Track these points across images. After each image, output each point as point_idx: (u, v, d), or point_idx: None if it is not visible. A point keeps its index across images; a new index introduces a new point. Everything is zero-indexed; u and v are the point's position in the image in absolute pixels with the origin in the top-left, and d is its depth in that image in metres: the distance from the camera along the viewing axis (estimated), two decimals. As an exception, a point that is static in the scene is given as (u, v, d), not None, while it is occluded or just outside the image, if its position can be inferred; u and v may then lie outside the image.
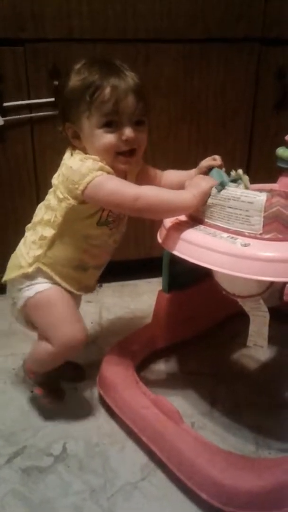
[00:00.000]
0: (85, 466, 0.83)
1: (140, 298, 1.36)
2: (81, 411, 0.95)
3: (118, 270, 1.33)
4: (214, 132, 1.29)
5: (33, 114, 1.16)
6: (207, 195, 0.77)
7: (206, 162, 0.85)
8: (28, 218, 1.25)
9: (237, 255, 0.70)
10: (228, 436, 0.89)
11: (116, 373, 0.94)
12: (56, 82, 1.12)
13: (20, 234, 1.26)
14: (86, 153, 0.81)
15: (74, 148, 0.83)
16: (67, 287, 0.87)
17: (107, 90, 0.76)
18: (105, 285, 1.40)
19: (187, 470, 0.76)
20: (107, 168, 0.78)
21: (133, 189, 0.77)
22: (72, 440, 0.89)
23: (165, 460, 0.79)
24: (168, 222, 0.82)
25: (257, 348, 0.85)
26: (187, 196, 0.77)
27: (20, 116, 1.15)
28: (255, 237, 0.73)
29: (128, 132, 0.78)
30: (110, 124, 0.77)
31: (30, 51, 1.10)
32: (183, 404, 0.95)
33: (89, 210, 0.80)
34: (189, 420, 0.90)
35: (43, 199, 1.23)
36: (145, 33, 1.15)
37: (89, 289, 0.92)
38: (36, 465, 0.84)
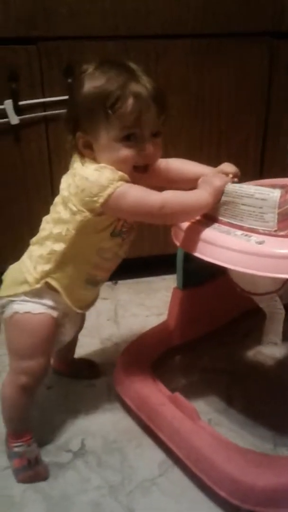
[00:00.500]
0: (104, 462, 0.84)
1: (155, 295, 1.36)
2: (98, 408, 0.96)
3: (133, 267, 1.33)
4: (226, 128, 1.28)
5: (47, 112, 1.16)
6: (221, 192, 0.76)
7: (226, 168, 0.82)
8: (43, 216, 1.27)
9: (252, 252, 0.70)
10: (245, 434, 0.89)
11: (133, 371, 0.94)
12: (70, 80, 1.13)
13: (35, 232, 1.28)
14: (97, 162, 0.75)
15: (83, 156, 0.77)
16: (72, 306, 0.81)
17: (130, 101, 0.71)
18: (120, 282, 1.41)
19: (204, 467, 0.76)
20: (126, 176, 0.73)
21: (158, 197, 0.73)
22: (90, 436, 0.90)
23: (182, 457, 0.80)
24: (182, 221, 0.82)
25: (273, 345, 0.85)
26: (203, 195, 0.76)
27: (35, 114, 1.16)
28: (269, 234, 0.72)
29: (149, 148, 0.74)
30: (130, 138, 0.73)
31: (43, 50, 1.11)
32: (199, 401, 0.96)
33: (105, 221, 0.76)
34: (205, 417, 0.91)
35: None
36: (156, 29, 1.15)
37: (90, 306, 0.88)
38: (55, 461, 0.85)
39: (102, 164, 0.74)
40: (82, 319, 0.93)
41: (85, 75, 0.74)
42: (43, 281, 0.78)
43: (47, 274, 0.79)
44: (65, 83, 1.14)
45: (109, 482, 0.81)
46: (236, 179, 0.80)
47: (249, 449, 0.80)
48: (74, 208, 0.74)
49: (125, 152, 0.73)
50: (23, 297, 0.79)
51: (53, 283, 0.79)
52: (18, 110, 1.14)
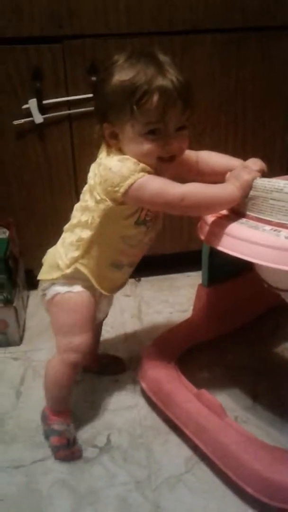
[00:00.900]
0: (130, 458, 0.85)
1: (179, 292, 1.36)
2: (123, 404, 0.97)
3: (156, 264, 1.33)
4: (252, 123, 1.27)
5: (71, 111, 1.17)
6: (249, 187, 0.76)
7: (253, 163, 0.81)
8: (67, 214, 1.27)
9: (281, 247, 0.68)
10: (272, 431, 0.88)
11: (158, 367, 0.94)
12: (94, 78, 1.13)
13: (59, 229, 1.29)
14: (123, 153, 0.77)
15: (109, 146, 0.79)
16: (99, 289, 0.85)
17: (155, 98, 0.71)
18: (143, 279, 1.41)
19: (232, 464, 0.76)
20: (148, 168, 0.75)
21: (178, 189, 0.74)
22: (116, 431, 0.90)
23: (209, 454, 0.80)
24: (209, 216, 0.81)
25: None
26: (231, 189, 0.75)
27: (59, 113, 1.17)
28: (299, 229, 0.71)
29: (173, 143, 0.75)
30: (154, 132, 0.74)
31: (68, 48, 1.11)
32: (225, 398, 0.95)
33: (128, 210, 0.78)
34: (232, 414, 0.90)
35: (81, 195, 1.27)
36: (181, 25, 1.14)
37: (121, 287, 0.91)
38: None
39: (125, 156, 0.76)
40: (110, 300, 0.96)
41: (115, 66, 0.74)
42: (73, 267, 0.83)
43: (76, 260, 0.83)
44: (89, 81, 1.14)
45: (136, 477, 0.81)
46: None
47: (276, 446, 0.79)
48: (98, 197, 0.77)
49: (148, 146, 0.74)
50: (62, 280, 0.84)
51: (82, 268, 0.83)
52: (42, 109, 1.15)
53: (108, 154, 0.79)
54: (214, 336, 1.08)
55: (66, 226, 0.88)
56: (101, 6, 1.09)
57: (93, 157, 1.23)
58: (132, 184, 0.73)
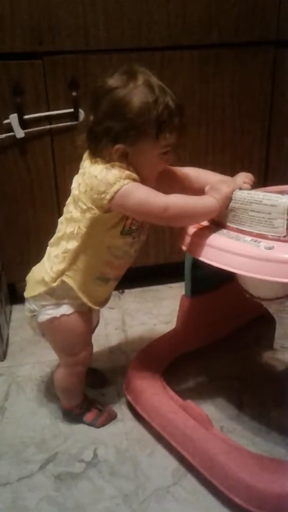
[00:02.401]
0: (117, 471, 0.84)
1: (162, 303, 1.36)
2: (110, 417, 0.96)
3: (139, 276, 1.34)
4: (231, 136, 1.29)
5: (52, 126, 1.18)
6: (229, 199, 0.78)
7: (240, 179, 0.83)
8: (49, 228, 1.27)
9: (261, 258, 0.70)
10: (257, 440, 0.89)
11: (143, 379, 0.94)
12: (74, 93, 1.14)
13: (41, 244, 1.28)
14: (134, 169, 0.77)
15: (94, 156, 0.79)
16: (88, 303, 0.85)
17: (176, 120, 0.75)
18: (126, 291, 1.41)
19: (219, 475, 0.76)
20: (134, 175, 0.76)
21: (162, 199, 0.75)
22: (102, 445, 0.90)
23: (196, 465, 0.80)
24: (191, 228, 0.83)
25: (284, 350, 0.85)
26: (211, 201, 0.77)
27: (40, 128, 1.17)
28: (278, 240, 0.73)
29: (172, 157, 0.80)
30: (167, 152, 0.78)
31: (49, 64, 1.12)
32: (211, 408, 0.96)
33: (114, 219, 0.79)
34: (217, 424, 0.90)
35: (64, 208, 1.27)
36: (160, 41, 1.16)
37: (105, 303, 0.92)
38: (68, 471, 0.85)
39: (112, 163, 0.76)
40: (97, 314, 0.98)
41: (134, 87, 0.74)
42: (59, 280, 0.83)
43: (62, 272, 0.83)
44: (70, 96, 1.15)
45: (123, 491, 0.81)
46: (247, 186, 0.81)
47: (263, 455, 0.80)
48: (84, 206, 0.78)
49: (162, 165, 0.79)
50: (52, 301, 0.85)
51: (68, 280, 0.83)
52: (24, 124, 1.16)
53: (92, 162, 0.79)
54: (199, 346, 1.09)
55: (51, 241, 0.88)
56: (81, 23, 1.10)
57: (74, 171, 1.24)
58: (118, 191, 0.74)
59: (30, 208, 1.25)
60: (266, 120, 1.30)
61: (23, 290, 1.39)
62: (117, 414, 0.97)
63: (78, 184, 0.80)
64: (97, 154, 0.78)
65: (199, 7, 1.15)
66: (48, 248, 0.88)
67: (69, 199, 0.84)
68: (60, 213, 1.26)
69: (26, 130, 1.16)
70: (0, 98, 1.13)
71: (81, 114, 1.17)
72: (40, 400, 1.02)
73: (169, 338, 1.07)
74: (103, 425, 0.94)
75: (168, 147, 0.77)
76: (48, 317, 0.86)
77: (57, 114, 1.17)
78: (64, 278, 0.83)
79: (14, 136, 1.16)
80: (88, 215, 0.78)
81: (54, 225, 1.27)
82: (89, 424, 0.94)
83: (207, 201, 0.78)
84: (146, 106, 0.73)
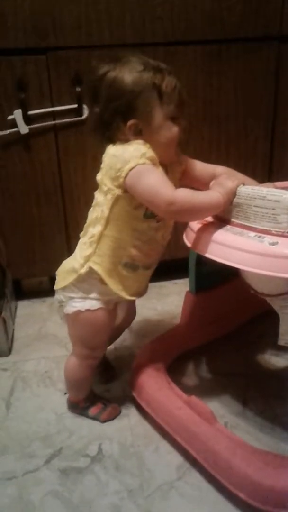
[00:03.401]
0: (121, 467, 0.85)
1: (166, 300, 1.37)
2: (114, 413, 0.97)
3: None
4: (235, 131, 1.29)
5: (56, 121, 1.18)
6: (233, 194, 0.77)
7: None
8: (54, 224, 1.28)
9: (265, 253, 0.70)
10: (262, 436, 0.89)
11: (148, 375, 0.94)
12: (78, 89, 1.14)
13: (46, 239, 1.29)
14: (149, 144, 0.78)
15: (111, 142, 0.80)
16: (117, 291, 0.85)
17: (173, 81, 0.77)
18: (131, 287, 1.41)
19: (223, 470, 0.76)
20: (151, 153, 0.76)
21: (170, 192, 0.74)
22: (107, 441, 0.90)
23: (201, 461, 0.80)
24: (194, 224, 0.83)
25: (288, 346, 0.85)
26: (216, 196, 0.77)
27: (44, 123, 1.17)
28: (282, 235, 0.73)
29: (184, 123, 0.80)
30: (174, 118, 0.78)
31: (52, 59, 1.12)
32: (215, 404, 0.96)
33: (134, 200, 0.78)
34: (222, 420, 0.91)
35: (68, 204, 1.27)
36: (163, 37, 1.16)
37: (139, 294, 0.91)
38: (73, 466, 0.85)
39: (130, 142, 0.78)
40: (132, 307, 1.01)
41: (121, 66, 0.77)
42: (87, 265, 0.83)
43: (88, 257, 0.84)
44: (74, 92, 1.15)
45: (128, 486, 0.81)
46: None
47: (267, 451, 0.80)
48: (105, 188, 0.79)
49: (176, 128, 0.79)
50: (80, 294, 0.86)
51: (95, 267, 0.83)
52: (28, 120, 1.16)
53: (113, 145, 0.80)
54: (203, 342, 1.09)
55: (82, 232, 0.88)
56: (84, 18, 1.10)
57: (79, 166, 1.25)
58: (132, 168, 0.75)
59: (35, 204, 1.26)
60: (270, 115, 1.30)
61: (28, 286, 1.41)
62: (122, 409, 0.97)
63: (101, 169, 0.81)
64: (114, 139, 0.80)
65: (203, 2, 1.14)
66: (80, 239, 0.89)
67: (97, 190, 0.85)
68: (65, 209, 1.28)
69: (30, 126, 1.16)
70: (4, 94, 1.13)
71: (85, 109, 1.17)
72: (45, 396, 1.02)
73: (174, 334, 1.08)
74: (107, 419, 0.94)
75: (174, 108, 0.78)
76: (74, 309, 0.87)
77: (61, 110, 1.17)
78: (91, 264, 0.83)
79: (18, 132, 1.16)
80: (109, 197, 0.79)
81: (59, 221, 1.28)
82: (93, 418, 0.95)
83: (212, 196, 0.77)
84: (138, 75, 0.76)
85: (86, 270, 0.83)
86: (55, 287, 0.89)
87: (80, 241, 0.87)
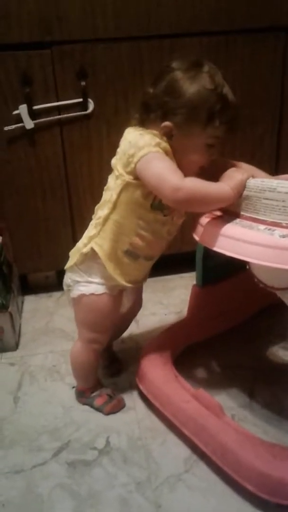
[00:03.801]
0: (129, 459, 0.85)
1: (173, 293, 1.36)
2: (122, 406, 0.97)
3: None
4: (241, 124, 1.28)
5: (62, 116, 1.17)
6: (243, 186, 0.77)
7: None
8: (59, 218, 1.28)
9: (276, 246, 0.69)
10: (269, 428, 0.89)
11: (155, 368, 0.95)
12: (83, 83, 1.14)
13: (52, 234, 1.29)
14: (174, 151, 0.79)
15: (142, 125, 0.81)
16: (116, 277, 0.86)
17: (230, 113, 0.77)
18: (137, 281, 1.41)
19: (231, 463, 0.76)
20: (164, 144, 0.77)
21: (177, 179, 0.75)
22: (115, 434, 0.90)
23: (209, 453, 0.80)
24: (203, 218, 0.82)
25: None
26: (225, 188, 0.76)
27: (49, 118, 1.17)
28: (293, 228, 0.72)
29: (216, 154, 0.81)
30: (212, 145, 0.79)
31: (57, 54, 1.12)
32: (222, 397, 0.96)
33: (143, 188, 0.79)
34: (229, 413, 0.91)
35: (74, 199, 1.27)
36: (169, 28, 1.15)
37: (139, 282, 0.92)
38: (81, 459, 0.86)
39: (148, 130, 0.79)
40: (139, 296, 1.00)
41: (195, 73, 0.77)
42: (89, 246, 0.85)
43: (91, 238, 0.85)
44: (79, 86, 1.15)
45: (136, 478, 0.82)
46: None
47: (275, 443, 0.80)
48: (117, 173, 0.80)
49: (203, 157, 0.80)
50: (85, 277, 0.87)
51: (96, 248, 0.84)
52: (33, 115, 1.16)
53: (134, 129, 0.81)
54: (210, 335, 1.09)
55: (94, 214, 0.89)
56: (89, 11, 1.10)
57: (84, 161, 1.25)
58: (144, 155, 0.75)
59: (40, 199, 1.25)
60: (277, 107, 1.28)
61: (35, 281, 1.42)
62: (129, 403, 0.97)
63: (117, 153, 0.83)
64: (145, 125, 0.80)
65: (208, -7, 1.13)
66: None
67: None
68: (70, 204, 1.28)
69: (35, 121, 1.16)
70: (9, 88, 1.13)
71: (90, 103, 1.17)
72: (52, 390, 1.03)
73: (180, 328, 1.08)
74: (110, 412, 0.95)
75: (215, 139, 0.78)
76: (79, 293, 0.88)
77: (66, 104, 1.16)
78: (93, 244, 0.85)
79: (24, 127, 1.16)
80: (119, 182, 0.80)
81: (65, 216, 1.28)
82: (98, 409, 0.95)
83: (221, 188, 0.76)
84: (203, 91, 0.76)
85: (87, 250, 0.85)
86: (65, 267, 0.91)
87: (92, 221, 0.88)
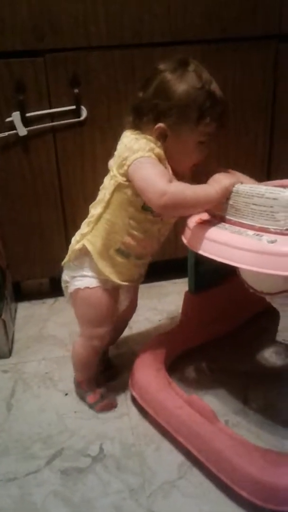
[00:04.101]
0: (123, 466, 0.85)
1: (167, 299, 1.37)
2: (115, 412, 0.97)
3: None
4: (234, 130, 1.29)
5: (55, 123, 1.18)
6: (228, 190, 0.78)
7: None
8: (53, 225, 1.28)
9: (264, 252, 0.70)
10: (262, 434, 0.89)
11: (149, 375, 0.95)
12: (76, 90, 1.15)
13: (45, 242, 1.29)
14: (167, 152, 0.80)
15: (136, 129, 0.83)
16: (108, 274, 0.87)
17: (219, 110, 0.78)
18: (131, 287, 1.41)
19: (225, 469, 0.76)
20: (158, 150, 0.79)
21: (162, 185, 0.76)
22: (108, 441, 0.90)
23: (203, 460, 0.80)
24: (192, 222, 0.83)
25: (286, 343, 0.85)
26: (210, 190, 0.77)
27: (43, 125, 1.17)
28: (281, 233, 0.72)
29: (207, 150, 0.82)
30: (203, 142, 0.81)
31: (50, 61, 1.13)
32: (216, 403, 0.96)
33: (134, 189, 0.80)
34: (222, 419, 0.91)
35: (67, 206, 1.27)
36: (161, 36, 1.16)
37: (132, 281, 0.92)
38: (74, 466, 0.85)
39: (143, 135, 0.80)
40: (134, 297, 1.01)
41: (182, 72, 0.78)
42: (81, 243, 0.87)
43: (84, 236, 0.87)
44: (72, 93, 1.15)
45: (129, 485, 0.81)
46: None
47: (268, 449, 0.80)
48: (112, 173, 0.82)
49: (197, 155, 0.81)
50: (79, 272, 0.89)
51: (88, 245, 0.86)
52: (26, 122, 1.16)
53: (130, 133, 0.83)
54: (203, 341, 1.09)
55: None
56: (81, 19, 1.10)
57: (77, 168, 1.25)
58: (136, 159, 0.77)
59: (34, 206, 1.26)
60: (268, 115, 1.30)
61: (28, 288, 1.41)
62: (123, 409, 0.97)
63: (114, 155, 0.84)
64: (139, 128, 0.82)
65: (200, 1, 1.14)
66: None
67: None
68: (64, 211, 1.28)
69: (28, 128, 1.17)
70: (2, 96, 1.13)
71: (83, 111, 1.18)
72: (46, 397, 1.02)
73: (174, 334, 1.08)
74: (101, 411, 0.96)
75: (206, 136, 0.80)
76: (74, 287, 0.90)
77: (59, 112, 1.17)
78: (85, 242, 0.86)
79: (17, 134, 1.16)
80: (112, 182, 0.82)
81: (58, 222, 1.28)
82: (90, 406, 0.97)
83: (206, 190, 0.77)
84: (192, 90, 0.77)
85: (80, 246, 0.87)
86: (62, 263, 0.93)
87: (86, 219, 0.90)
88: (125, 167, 0.78)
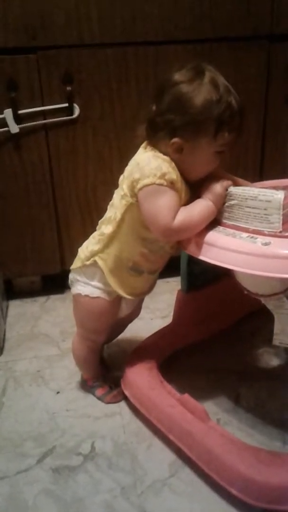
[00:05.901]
0: (114, 464, 0.85)
1: (159, 298, 1.36)
2: (107, 411, 0.97)
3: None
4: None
5: (47, 120, 1.17)
6: (223, 198, 0.78)
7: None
8: (45, 223, 1.28)
9: (258, 254, 0.70)
10: (254, 432, 0.90)
11: (141, 374, 0.95)
12: (69, 88, 1.14)
13: (37, 240, 1.29)
14: (183, 165, 0.78)
15: (151, 144, 0.80)
16: (118, 290, 0.87)
17: (237, 120, 0.76)
18: (123, 285, 1.41)
19: (216, 467, 0.77)
20: (170, 175, 0.76)
21: (167, 221, 0.75)
22: (100, 439, 0.90)
23: (194, 458, 0.81)
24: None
25: (284, 346, 0.85)
26: (208, 205, 0.77)
27: (35, 122, 1.17)
28: (275, 235, 0.73)
29: (225, 157, 0.81)
30: (220, 152, 0.79)
31: (43, 58, 1.12)
32: (207, 402, 0.96)
33: None
34: (214, 417, 0.91)
35: (59, 204, 1.27)
36: (154, 35, 1.16)
37: (142, 294, 0.93)
38: (66, 464, 0.85)
39: (158, 154, 0.78)
40: (138, 304, 1.01)
41: (198, 84, 0.74)
42: (92, 259, 0.86)
43: (95, 253, 0.86)
44: (64, 91, 1.15)
45: (121, 483, 0.82)
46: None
47: (259, 448, 0.81)
48: (122, 192, 0.80)
49: (214, 164, 0.80)
50: (84, 279, 0.89)
51: (100, 262, 0.85)
52: (18, 119, 1.16)
53: (144, 151, 0.81)
54: (195, 341, 1.09)
55: (100, 220, 0.89)
56: (74, 17, 1.10)
57: (70, 166, 1.25)
58: (147, 185, 0.75)
59: (26, 204, 1.25)
60: (261, 114, 1.30)
61: (20, 285, 1.41)
62: (115, 408, 0.97)
63: (126, 170, 0.82)
64: (154, 144, 0.79)
65: (192, 1, 1.14)
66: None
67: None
68: (56, 209, 1.27)
69: (20, 125, 1.16)
70: (-6, 93, 1.13)
71: (76, 108, 1.17)
72: (37, 395, 1.02)
73: (166, 333, 1.08)
74: (110, 402, 0.98)
75: (224, 146, 0.78)
76: (76, 291, 0.90)
77: (52, 109, 1.17)
78: (97, 259, 0.85)
79: (9, 131, 1.16)
80: (123, 202, 0.80)
81: (50, 220, 1.28)
82: (98, 399, 0.99)
83: (204, 207, 0.77)
84: (209, 104, 0.74)
85: (90, 263, 0.86)
86: (71, 267, 0.92)
87: (95, 232, 0.89)
88: (136, 190, 0.77)
